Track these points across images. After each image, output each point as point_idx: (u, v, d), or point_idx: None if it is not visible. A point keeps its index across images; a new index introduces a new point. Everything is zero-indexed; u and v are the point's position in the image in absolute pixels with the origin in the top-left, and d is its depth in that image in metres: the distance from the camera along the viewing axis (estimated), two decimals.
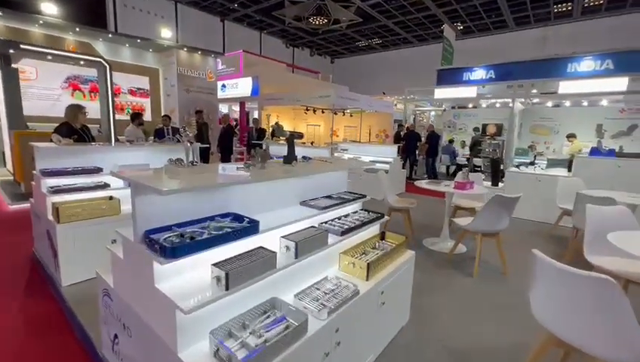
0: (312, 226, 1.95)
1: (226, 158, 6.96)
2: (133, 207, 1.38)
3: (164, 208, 1.45)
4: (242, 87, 10.59)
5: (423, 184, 4.03)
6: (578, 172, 4.84)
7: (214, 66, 8.89)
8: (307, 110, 10.60)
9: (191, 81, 8.33)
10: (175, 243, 1.30)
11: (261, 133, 7.53)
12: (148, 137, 5.61)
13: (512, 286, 3.11)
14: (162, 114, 8.33)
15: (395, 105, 13.13)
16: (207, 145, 6.28)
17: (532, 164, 5.73)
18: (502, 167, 6.37)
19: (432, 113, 13.56)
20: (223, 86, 10.68)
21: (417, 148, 9.20)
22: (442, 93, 9.67)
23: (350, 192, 2.62)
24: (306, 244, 1.67)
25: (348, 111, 12.11)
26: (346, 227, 2.04)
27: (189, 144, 1.60)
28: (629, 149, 8.77)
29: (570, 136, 7.97)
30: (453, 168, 10.05)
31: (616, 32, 11.31)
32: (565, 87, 7.68)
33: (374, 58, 18.19)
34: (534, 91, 9.00)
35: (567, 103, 10.17)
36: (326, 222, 2.12)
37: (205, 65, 8.69)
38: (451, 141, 10.29)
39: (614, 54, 8.24)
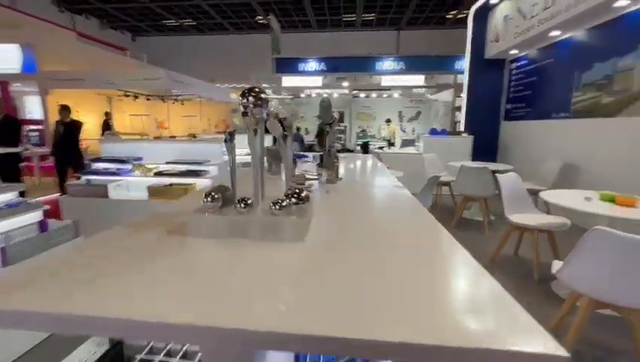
0: None
1: (11, 168, 4.21)
2: None
3: None
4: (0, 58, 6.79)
5: None
6: (427, 149, 5.93)
7: None
8: (126, 96, 8.12)
9: None
10: None
11: (73, 127, 5.00)
12: None
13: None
14: None
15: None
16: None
17: (392, 145, 6.59)
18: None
19: (274, 102, 13.47)
20: None
21: None
22: (290, 81, 9.69)
23: None
24: None
25: (178, 99, 10.20)
26: None
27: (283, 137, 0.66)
28: (418, 130, 11.85)
29: (388, 121, 9.80)
30: None
31: (383, 42, 14.62)
32: (386, 80, 9.30)
33: (191, 41, 16.13)
34: (394, 85, 10.20)
35: (374, 95, 12.54)
36: None
37: None
38: (298, 129, 10.61)
39: (404, 58, 10.65)
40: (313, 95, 12.59)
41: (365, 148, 6.67)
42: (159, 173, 3.56)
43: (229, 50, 15.24)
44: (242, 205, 0.65)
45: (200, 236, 0.63)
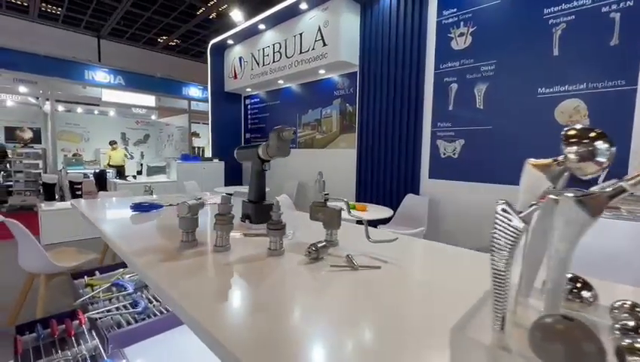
0: None
1: None
2: None
3: None
4: None
5: None
6: (182, 176, 5.51)
7: None
8: None
9: None
10: None
11: None
12: None
13: None
14: None
15: None
16: None
17: (139, 173, 5.48)
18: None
19: None
20: None
21: None
22: None
23: None
24: None
25: None
26: None
27: None
28: (148, 154, 10.61)
29: (113, 143, 8.21)
30: None
31: (81, 46, 12.24)
32: (107, 95, 7.68)
33: None
34: (117, 101, 7.63)
35: (80, 110, 9.96)
36: None
37: None
38: None
39: (123, 72, 9.35)
40: None
41: (101, 180, 5.15)
42: None
43: None
44: None
45: None
